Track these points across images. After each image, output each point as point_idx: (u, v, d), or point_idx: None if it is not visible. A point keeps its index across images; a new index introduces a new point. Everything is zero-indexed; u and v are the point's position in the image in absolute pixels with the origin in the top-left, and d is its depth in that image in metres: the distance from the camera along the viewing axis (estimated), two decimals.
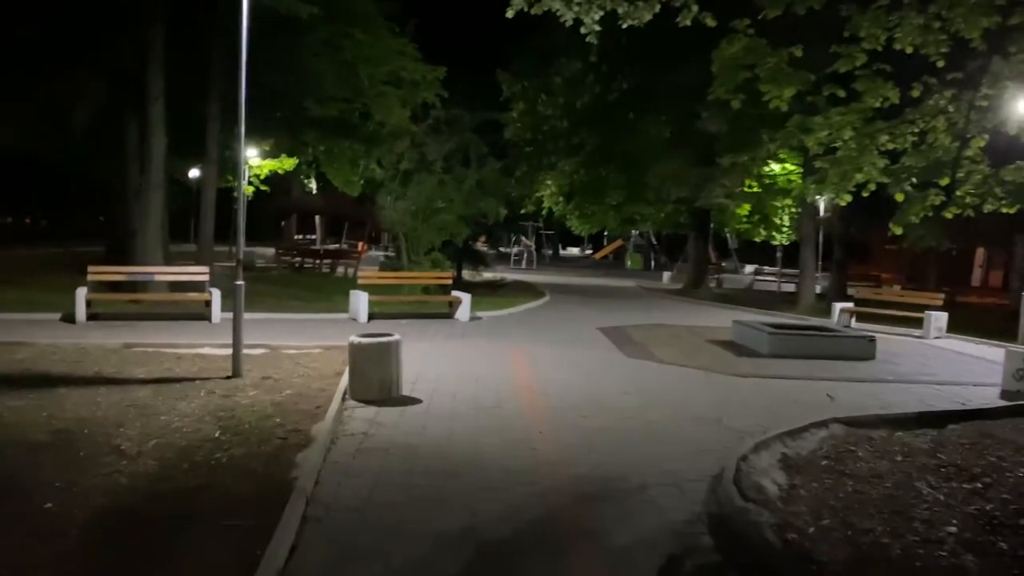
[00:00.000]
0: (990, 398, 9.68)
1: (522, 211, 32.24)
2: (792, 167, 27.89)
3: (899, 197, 9.67)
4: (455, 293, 15.95)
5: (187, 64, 16.37)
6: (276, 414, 7.16)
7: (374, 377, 8.02)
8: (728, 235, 37.95)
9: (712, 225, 31.29)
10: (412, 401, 8.10)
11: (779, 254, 49.06)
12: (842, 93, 8.46)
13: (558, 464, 6.21)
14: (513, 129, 26.69)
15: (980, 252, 44.03)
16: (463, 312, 15.39)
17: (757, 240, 39.36)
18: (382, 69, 17.71)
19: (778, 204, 30.11)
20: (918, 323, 16.61)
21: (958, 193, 9.51)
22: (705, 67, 21.98)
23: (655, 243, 48.47)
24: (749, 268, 47.22)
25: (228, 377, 8.68)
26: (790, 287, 30.06)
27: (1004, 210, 9.44)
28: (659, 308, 21.17)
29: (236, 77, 8.55)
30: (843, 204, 10.09)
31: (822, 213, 24.38)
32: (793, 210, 30.60)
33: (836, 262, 25.74)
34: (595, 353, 11.90)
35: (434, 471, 5.91)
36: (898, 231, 9.95)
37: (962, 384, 10.57)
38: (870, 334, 12.81)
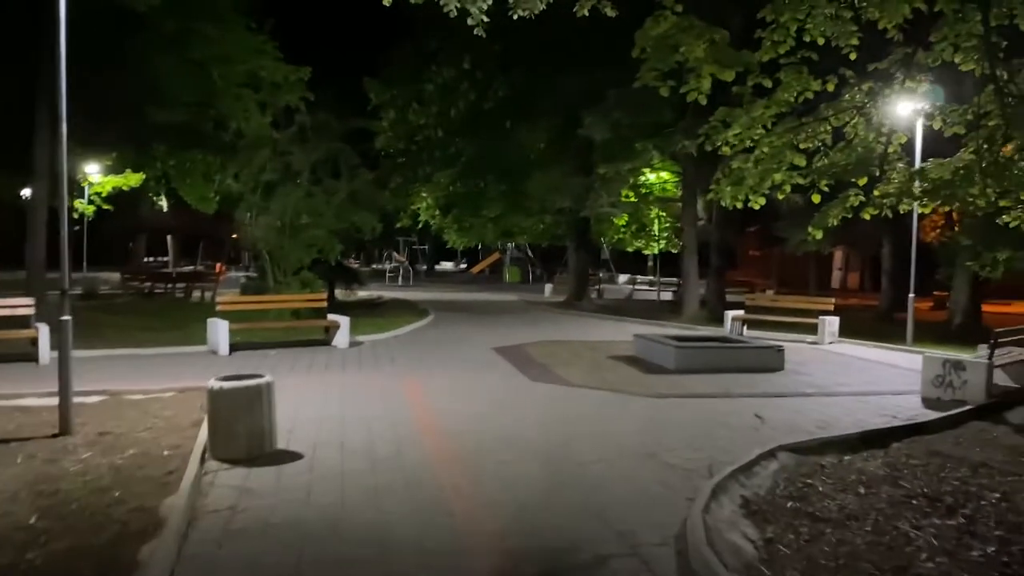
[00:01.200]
0: (915, 407, 9.20)
1: (397, 225, 30.73)
2: (668, 176, 27.93)
3: (815, 198, 9.05)
4: (331, 316, 14.36)
5: (9, 66, 14.05)
6: (115, 485, 5.53)
7: (241, 430, 6.48)
8: (604, 245, 37.82)
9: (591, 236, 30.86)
10: (291, 456, 6.61)
11: (651, 263, 50.14)
12: (768, 83, 7.74)
13: (485, 534, 4.95)
14: (384, 138, 25.22)
15: (839, 255, 46.21)
16: (342, 337, 13.83)
17: (630, 250, 39.65)
18: (238, 69, 15.91)
19: (653, 214, 30.21)
20: (808, 328, 16.47)
21: (876, 193, 9.00)
22: (587, 73, 21.85)
23: (532, 255, 48.01)
24: (623, 278, 47.63)
25: (54, 435, 6.90)
26: (667, 295, 30.13)
27: (920, 210, 9.01)
28: (547, 322, 20.28)
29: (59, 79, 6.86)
30: (756, 207, 9.45)
31: (701, 220, 24.44)
32: (664, 219, 30.81)
33: (715, 269, 25.72)
34: (497, 378, 10.72)
35: (327, 558, 4.52)
36: (818, 235, 9.36)
37: (881, 393, 10.11)
38: (777, 344, 12.30)
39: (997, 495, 5.95)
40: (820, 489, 6.00)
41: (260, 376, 6.73)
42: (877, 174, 8.26)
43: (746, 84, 7.81)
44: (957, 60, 7.79)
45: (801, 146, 8.47)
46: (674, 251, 35.95)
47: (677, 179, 27.53)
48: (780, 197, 9.15)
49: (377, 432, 7.42)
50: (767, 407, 9.04)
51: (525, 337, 15.93)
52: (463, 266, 72.44)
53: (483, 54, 23.69)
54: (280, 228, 17.85)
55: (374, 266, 52.04)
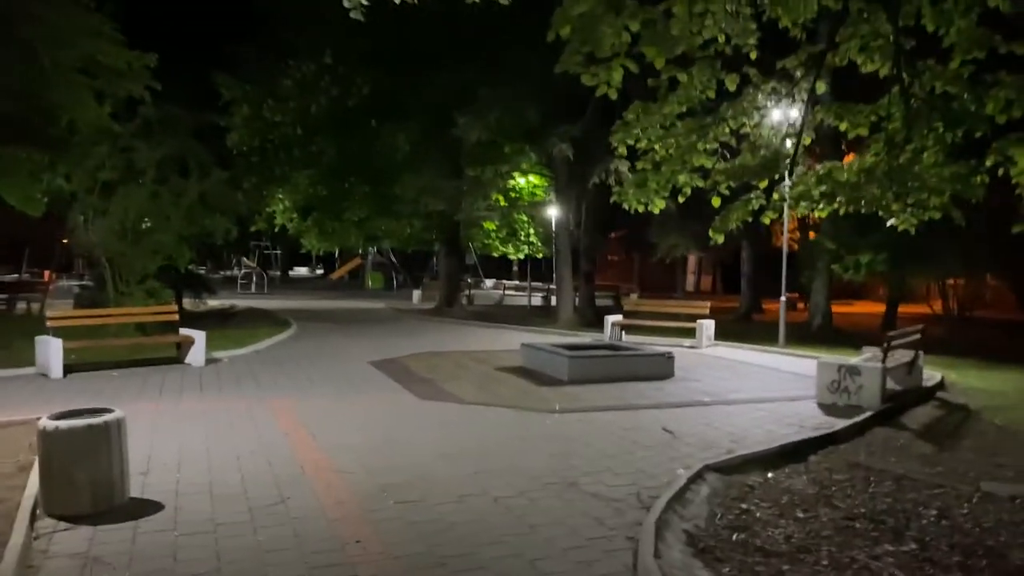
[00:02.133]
0: (815, 414, 9.05)
1: (252, 228, 28.75)
2: (537, 180, 27.68)
3: (715, 202, 8.72)
4: (184, 331, 12.81)
5: None
6: None
7: (83, 478, 5.24)
8: (472, 250, 37.21)
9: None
10: (148, 508, 5.43)
11: (516, 268, 50.13)
12: (684, 77, 7.26)
13: None
14: (237, 136, 23.36)
15: (692, 259, 47.88)
16: (197, 354, 12.34)
17: (496, 255, 39.31)
18: (71, 53, 13.96)
19: (523, 218, 29.92)
20: (685, 332, 16.47)
21: (775, 196, 8.78)
22: (457, 71, 21.11)
23: (395, 260, 46.70)
24: (489, 283, 47.31)
25: None
26: (536, 300, 29.91)
27: (817, 213, 8.87)
28: (421, 331, 19.34)
29: None
30: (656, 211, 9.03)
31: (571, 225, 24.30)
32: (531, 224, 30.59)
33: (584, 274, 25.63)
34: (381, 398, 9.73)
35: None
36: (719, 239, 9.03)
37: (777, 400, 9.95)
38: (667, 351, 12.01)
39: (934, 512, 5.68)
40: (758, 515, 5.53)
41: (107, 411, 5.50)
42: (786, 176, 8.00)
43: (661, 77, 7.31)
44: (859, 61, 7.62)
45: (706, 147, 8.09)
46: (539, 256, 35.97)
47: (547, 183, 27.34)
48: (680, 200, 8.75)
49: (252, 472, 6.32)
50: (671, 419, 8.61)
51: (401, 348, 14.96)
52: (320, 272, 69.86)
53: (345, 49, 22.44)
54: (121, 232, 15.96)
55: (224, 273, 49.04)
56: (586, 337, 17.74)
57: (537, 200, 27.33)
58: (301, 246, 37.37)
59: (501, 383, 10.94)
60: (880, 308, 31.37)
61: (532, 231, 31.41)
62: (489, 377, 11.48)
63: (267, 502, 5.58)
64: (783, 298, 16.26)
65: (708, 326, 15.90)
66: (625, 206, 8.68)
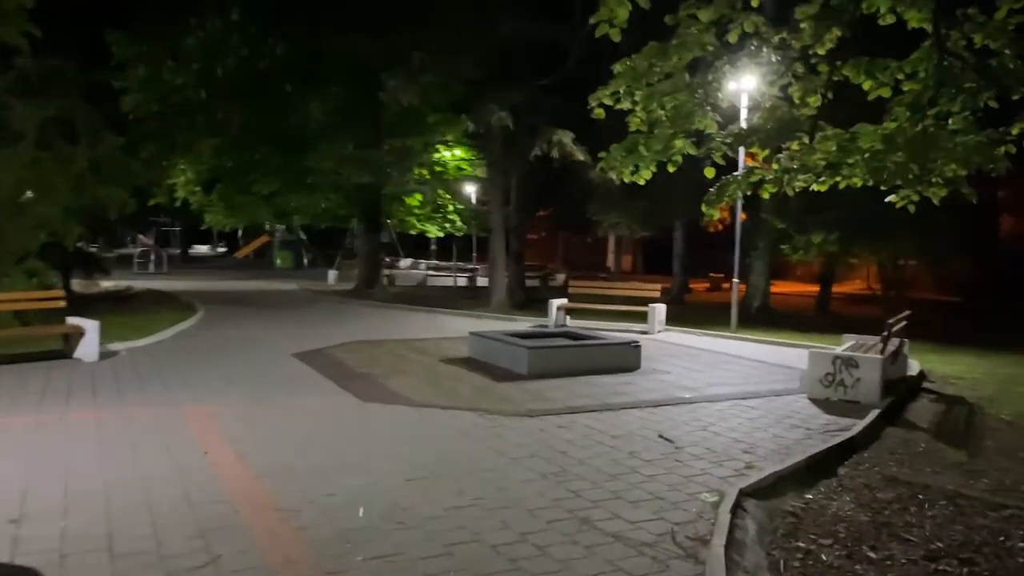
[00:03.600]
0: (813, 411, 8.11)
1: (151, 202, 26.14)
2: (463, 153, 26.22)
3: (709, 173, 7.58)
4: (72, 320, 10.89)
5: None
6: None
7: None
8: (389, 228, 35.34)
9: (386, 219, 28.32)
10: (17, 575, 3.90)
11: (433, 247, 48.45)
12: (704, 15, 6.04)
13: None
14: (133, 99, 20.90)
15: (612, 238, 47.38)
16: (88, 347, 10.47)
17: (413, 233, 37.63)
18: None
19: (447, 194, 28.42)
20: (634, 316, 15.51)
21: (774, 167, 7.70)
22: (381, 33, 19.37)
23: (304, 238, 44.30)
24: (405, 262, 45.51)
25: None
26: (458, 281, 28.56)
27: (816, 187, 7.84)
28: (345, 316, 17.72)
29: None
30: (641, 183, 7.86)
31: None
32: (450, 201, 29.12)
33: (514, 254, 24.41)
34: (316, 401, 8.23)
35: None
36: (714, 215, 7.91)
37: (762, 395, 8.99)
38: (633, 340, 10.91)
39: (1021, 545, 4.74)
40: (825, 559, 4.45)
41: None
42: (808, 141, 6.92)
43: (678, 13, 6.07)
44: (884, 9, 6.58)
45: (709, 108, 6.92)
46: (459, 235, 34.52)
47: (473, 157, 25.92)
48: (671, 170, 7.56)
49: (167, 514, 4.80)
50: (659, 421, 7.51)
51: (326, 337, 13.38)
52: (222, 250, 66.21)
53: (256, 4, 20.37)
54: None
55: (119, 251, 45.52)
56: (523, 322, 16.58)
57: (464, 175, 25.88)
58: (202, 222, 34.62)
59: (452, 378, 9.59)
60: (801, 288, 31.55)
61: (455, 208, 29.96)
62: (436, 371, 10.11)
63: (192, 562, 4.11)
64: (735, 280, 15.45)
65: (660, 310, 14.93)
66: (613, 176, 7.43)
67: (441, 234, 35.97)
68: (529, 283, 25.30)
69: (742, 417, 7.83)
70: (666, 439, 6.86)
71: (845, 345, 9.87)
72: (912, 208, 8.02)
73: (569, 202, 25.10)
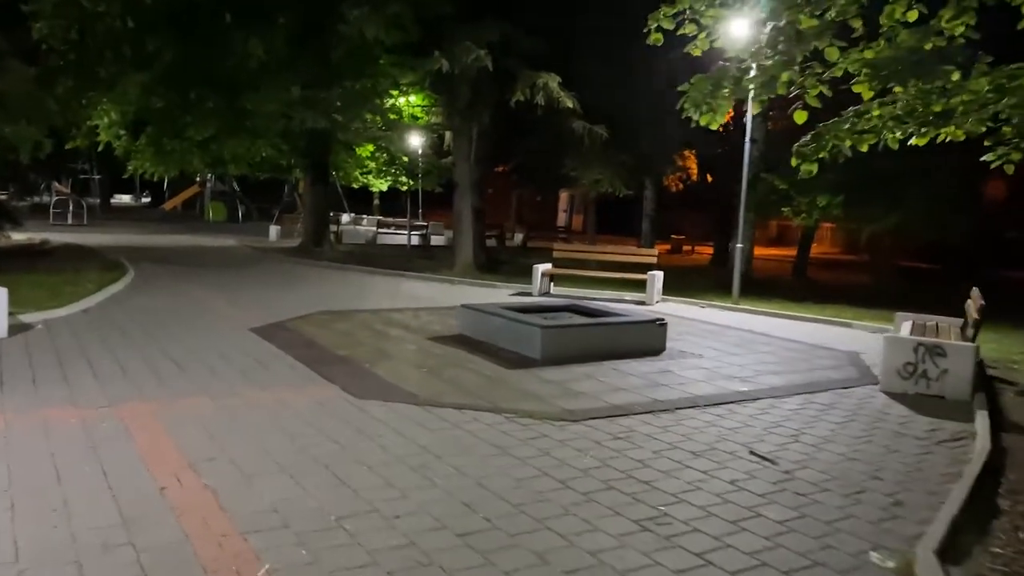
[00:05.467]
0: (907, 412, 6.76)
1: (69, 146, 23.28)
2: (418, 100, 24.16)
3: (800, 117, 6.03)
4: None
5: None
6: None
7: None
8: (336, 180, 32.94)
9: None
10: None
11: (377, 202, 46.11)
12: None
13: None
14: (46, 25, 18.13)
15: (564, 196, 45.96)
16: None
17: (356, 186, 35.43)
18: None
19: (398, 146, 26.36)
20: (622, 284, 14.07)
21: (875, 112, 6.19)
22: None
23: (238, 189, 41.40)
24: (345, 217, 43.12)
25: None
26: (409, 240, 26.68)
27: (915, 141, 6.39)
28: (297, 279, 15.78)
29: None
30: (714, 127, 6.31)
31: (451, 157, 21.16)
32: (403, 153, 27.08)
33: (475, 212, 22.64)
34: (299, 398, 6.45)
35: None
36: (812, 169, 6.41)
37: (831, 387, 7.62)
38: (658, 317, 9.41)
39: None
40: None
41: None
42: (959, 77, 5.44)
43: None
44: None
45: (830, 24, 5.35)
46: (403, 188, 32.49)
47: (430, 104, 23.90)
48: (755, 112, 6.00)
49: None
50: (738, 429, 6.05)
51: (284, 305, 11.53)
52: (146, 200, 62.11)
53: None
54: None
55: (32, 199, 41.82)
56: (499, 289, 14.98)
57: (420, 123, 23.87)
58: (124, 170, 31.53)
59: (452, 364, 7.94)
60: (761, 251, 30.47)
61: (408, 160, 27.94)
62: (429, 354, 8.44)
63: None
64: (739, 245, 14.09)
65: (659, 279, 13.48)
66: (698, 120, 5.82)
67: (384, 187, 33.89)
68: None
69: (827, 420, 6.43)
70: (761, 457, 5.39)
71: (904, 328, 8.57)
72: (1010, 169, 6.67)
73: (532, 156, 23.33)
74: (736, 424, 6.20)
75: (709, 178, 26.78)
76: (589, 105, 16.37)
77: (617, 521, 4.21)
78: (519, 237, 29.97)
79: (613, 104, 17.35)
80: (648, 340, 8.93)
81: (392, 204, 44.51)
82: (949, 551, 3.95)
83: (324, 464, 4.88)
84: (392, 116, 23.67)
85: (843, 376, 8.14)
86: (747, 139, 13.71)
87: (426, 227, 30.54)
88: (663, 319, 9.22)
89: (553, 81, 15.24)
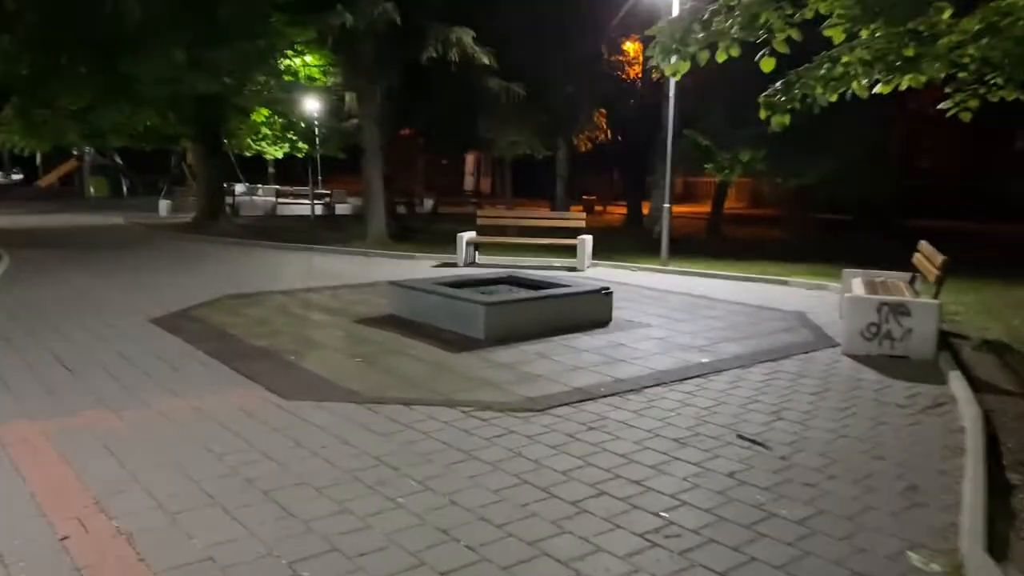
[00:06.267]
0: (880, 378, 6.45)
1: None
2: (315, 60, 22.70)
3: (768, 65, 5.49)
4: None
5: None
6: None
7: None
8: (228, 149, 30.90)
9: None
10: None
11: (272, 171, 43.92)
12: None
13: None
14: None
15: (471, 159, 44.97)
16: None
17: (248, 154, 33.58)
18: None
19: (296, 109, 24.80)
20: (546, 250, 13.53)
21: (845, 58, 5.72)
22: None
23: (121, 162, 38.54)
24: (240, 188, 40.88)
25: None
26: (312, 210, 25.38)
27: (880, 88, 5.97)
28: (196, 259, 14.49)
29: None
30: (677, 78, 5.67)
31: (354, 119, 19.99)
32: (297, 121, 25.59)
33: (384, 178, 21.59)
34: (218, 403, 5.55)
35: None
36: (783, 122, 5.87)
37: (793, 354, 7.25)
38: (603, 287, 8.85)
39: None
40: None
41: None
42: (945, 16, 4.95)
43: None
44: None
45: None
46: (299, 155, 30.98)
47: (326, 64, 22.49)
48: (723, 58, 5.42)
49: None
50: (712, 407, 5.57)
51: (186, 290, 10.42)
52: (17, 177, 57.33)
53: None
54: None
55: None
56: (416, 259, 14.21)
57: (318, 85, 22.48)
58: None
59: (389, 350, 7.17)
60: (674, 209, 30.62)
61: (303, 125, 26.40)
62: (362, 340, 7.64)
63: None
64: (666, 205, 13.72)
65: (589, 243, 12.96)
66: (665, 73, 5.18)
67: (280, 155, 32.20)
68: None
69: (802, 392, 6.03)
70: (751, 441, 4.92)
71: (855, 286, 8.31)
72: (967, 117, 6.36)
73: (442, 118, 22.34)
74: (710, 402, 5.72)
75: (618, 137, 26.46)
76: (503, 62, 15.57)
77: (620, 537, 3.62)
78: (428, 203, 29.02)
79: (528, 60, 16.60)
80: (595, 311, 8.40)
81: (287, 172, 42.54)
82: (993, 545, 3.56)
83: (262, 490, 4.09)
84: (287, 78, 22.14)
85: (800, 340, 7.82)
86: (670, 94, 13.29)
87: (329, 195, 29.19)
88: (608, 288, 8.69)
89: (467, 36, 14.35)
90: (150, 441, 4.78)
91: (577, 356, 7.03)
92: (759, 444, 4.87)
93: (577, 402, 5.66)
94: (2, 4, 17.66)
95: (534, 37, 17.33)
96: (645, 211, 24.66)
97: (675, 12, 12.19)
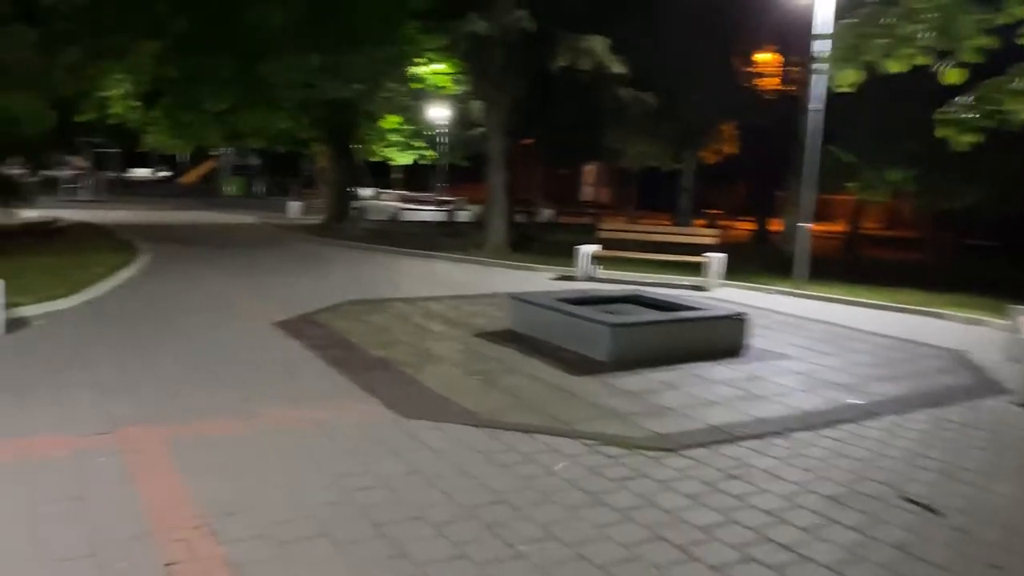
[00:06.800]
0: None
1: (79, 118, 22.24)
2: (445, 67, 22.85)
3: (954, 76, 4.84)
4: None
5: None
6: None
7: None
8: (357, 154, 31.70)
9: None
10: None
11: (399, 176, 44.82)
12: None
13: None
14: None
15: (589, 170, 44.56)
16: None
17: (375, 160, 34.18)
18: None
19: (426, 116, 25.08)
20: (675, 267, 12.92)
21: None
22: None
23: (256, 163, 40.30)
24: (366, 193, 41.92)
25: None
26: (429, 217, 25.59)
27: None
28: (322, 262, 14.73)
29: None
30: (846, 89, 5.15)
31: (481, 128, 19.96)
32: (426, 129, 25.86)
33: (504, 187, 21.43)
34: (335, 419, 5.36)
35: None
36: (965, 141, 5.22)
37: (955, 399, 6.46)
38: (736, 311, 8.26)
39: None
40: None
41: None
42: None
43: None
44: None
45: None
46: (424, 163, 31.30)
47: (455, 72, 22.60)
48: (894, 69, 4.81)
49: None
50: (868, 460, 4.93)
51: (311, 294, 10.49)
52: (163, 175, 61.14)
53: None
54: None
55: (46, 173, 40.89)
56: (536, 271, 13.92)
57: (446, 93, 22.61)
58: (141, 143, 30.49)
59: (507, 369, 6.85)
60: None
61: (432, 132, 26.71)
62: (479, 356, 7.36)
63: None
64: (805, 225, 12.86)
65: (719, 262, 12.29)
66: (836, 83, 4.64)
67: (407, 161, 32.70)
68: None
69: (972, 447, 5.30)
70: (921, 505, 4.28)
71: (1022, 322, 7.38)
72: None
73: (565, 127, 22.01)
74: (866, 453, 5.09)
75: (747, 150, 25.45)
76: (634, 71, 15.08)
77: None
78: (546, 213, 28.77)
79: (658, 69, 16.04)
80: (727, 338, 7.82)
81: (410, 178, 43.30)
82: None
83: (374, 522, 3.81)
84: (416, 85, 22.41)
85: (962, 383, 6.99)
86: (812, 107, 12.46)
87: (451, 203, 29.43)
88: (743, 313, 8.08)
89: (600, 44, 13.98)
90: (266, 456, 4.62)
91: (710, 388, 6.49)
92: (929, 509, 4.23)
93: (713, 443, 5.15)
94: (156, 10, 18.61)
95: (666, 46, 16.75)
96: (773, 228, 23.58)
97: (818, 19, 11.45)
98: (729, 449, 5.07)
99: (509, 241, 17.68)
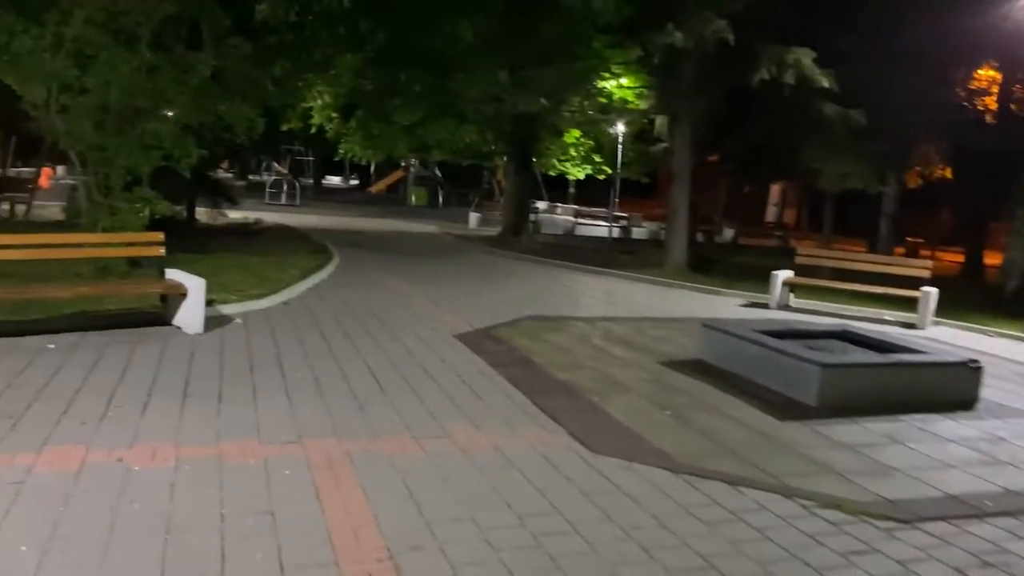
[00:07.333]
0: None
1: (284, 127, 23.77)
2: (631, 82, 22.42)
3: None
4: (172, 275, 8.15)
5: None
6: None
7: None
8: (536, 168, 31.94)
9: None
10: None
11: (572, 190, 44.90)
12: None
13: None
14: (269, 5, 18.24)
15: (776, 189, 42.45)
16: (191, 312, 7.72)
17: (553, 173, 34.21)
18: None
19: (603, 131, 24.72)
20: (879, 300, 11.72)
21: None
22: None
23: (439, 175, 41.60)
24: (541, 206, 42.22)
25: None
26: (610, 232, 25.07)
27: None
28: (500, 273, 14.70)
29: None
30: None
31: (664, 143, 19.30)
32: (606, 143, 25.43)
33: (688, 205, 20.60)
34: (516, 448, 5.06)
35: None
36: None
37: None
38: (969, 358, 7.21)
39: None
40: None
41: None
42: None
43: None
44: None
45: None
46: (600, 177, 30.87)
47: (642, 86, 22.10)
48: None
49: None
50: None
51: (490, 307, 10.36)
52: (354, 183, 64.71)
53: None
54: (100, 117, 11.28)
55: (251, 178, 44.39)
56: (722, 295, 13.11)
57: (632, 107, 22.15)
58: (335, 152, 32.22)
59: (701, 406, 6.28)
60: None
61: (615, 147, 26.29)
62: (668, 387, 6.84)
63: None
64: None
65: (934, 298, 11.02)
66: None
67: (582, 175, 32.48)
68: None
69: None
70: None
71: None
72: None
73: (755, 143, 20.84)
74: None
75: (957, 173, 23.16)
76: (841, 85, 13.95)
77: None
78: (728, 233, 27.55)
79: (866, 85, 14.76)
80: (956, 388, 6.82)
81: (585, 192, 43.12)
82: None
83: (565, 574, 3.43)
84: (601, 100, 22.12)
85: None
86: None
87: (627, 219, 28.90)
88: (977, 360, 7.02)
89: (806, 57, 13.03)
90: (450, 483, 4.37)
91: (941, 447, 5.62)
92: None
93: (956, 518, 4.37)
94: (357, 25, 19.51)
95: (876, 60, 15.42)
96: (988, 260, 21.28)
97: None
98: (976, 527, 4.27)
99: (690, 261, 16.92)
